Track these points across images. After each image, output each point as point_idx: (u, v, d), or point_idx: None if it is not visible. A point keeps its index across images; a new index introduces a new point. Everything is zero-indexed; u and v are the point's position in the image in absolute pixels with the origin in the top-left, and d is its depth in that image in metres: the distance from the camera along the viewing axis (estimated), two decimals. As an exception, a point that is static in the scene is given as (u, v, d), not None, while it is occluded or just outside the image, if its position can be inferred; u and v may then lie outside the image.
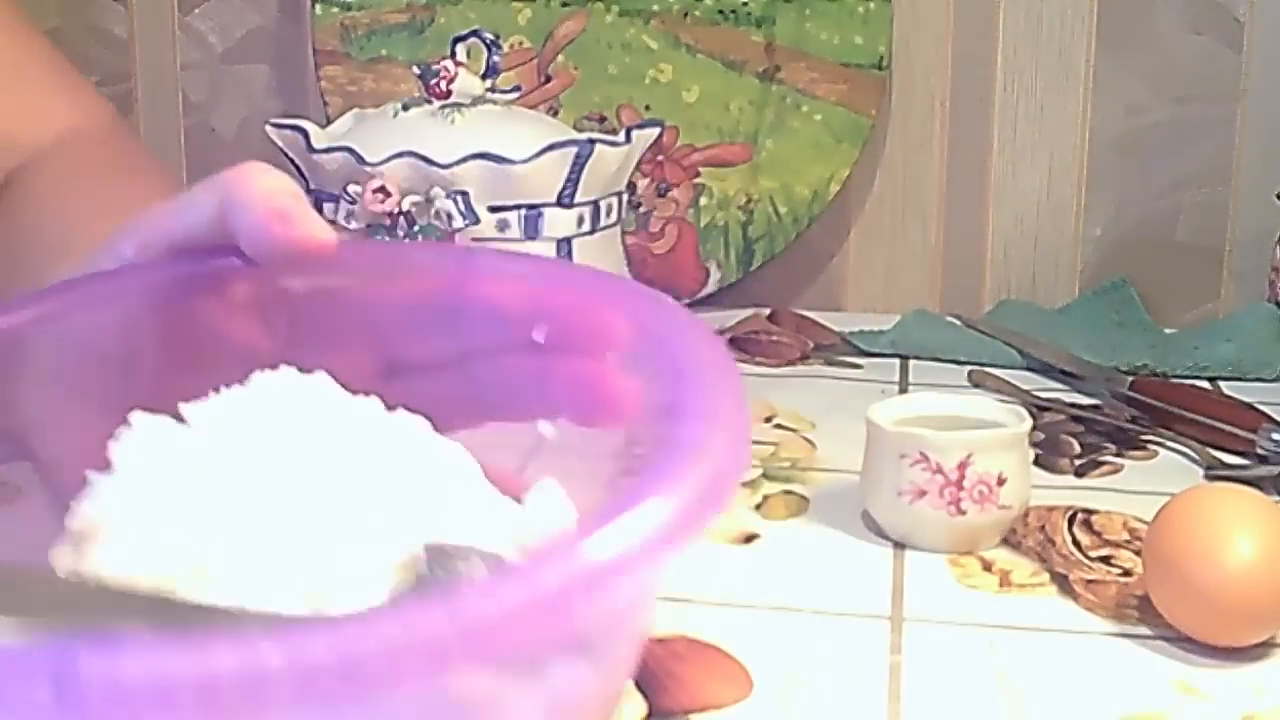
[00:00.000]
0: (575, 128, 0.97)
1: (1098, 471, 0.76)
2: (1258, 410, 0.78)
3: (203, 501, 0.36)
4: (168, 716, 0.27)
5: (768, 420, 0.83)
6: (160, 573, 0.35)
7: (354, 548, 0.36)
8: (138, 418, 0.39)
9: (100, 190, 0.67)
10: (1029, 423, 0.66)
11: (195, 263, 0.44)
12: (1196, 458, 0.77)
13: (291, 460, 0.37)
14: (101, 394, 0.43)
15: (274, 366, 0.40)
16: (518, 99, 0.78)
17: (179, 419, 0.39)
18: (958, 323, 1.02)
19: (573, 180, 0.72)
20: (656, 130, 0.77)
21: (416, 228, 0.71)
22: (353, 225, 0.71)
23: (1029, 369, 0.93)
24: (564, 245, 0.73)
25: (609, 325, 0.42)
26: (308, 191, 0.75)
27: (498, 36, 0.79)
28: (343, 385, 0.41)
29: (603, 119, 1.06)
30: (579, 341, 0.43)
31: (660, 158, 1.05)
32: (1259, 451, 0.76)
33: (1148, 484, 0.73)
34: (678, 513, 0.31)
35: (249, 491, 0.37)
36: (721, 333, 0.98)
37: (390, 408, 0.41)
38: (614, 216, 0.76)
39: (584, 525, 0.31)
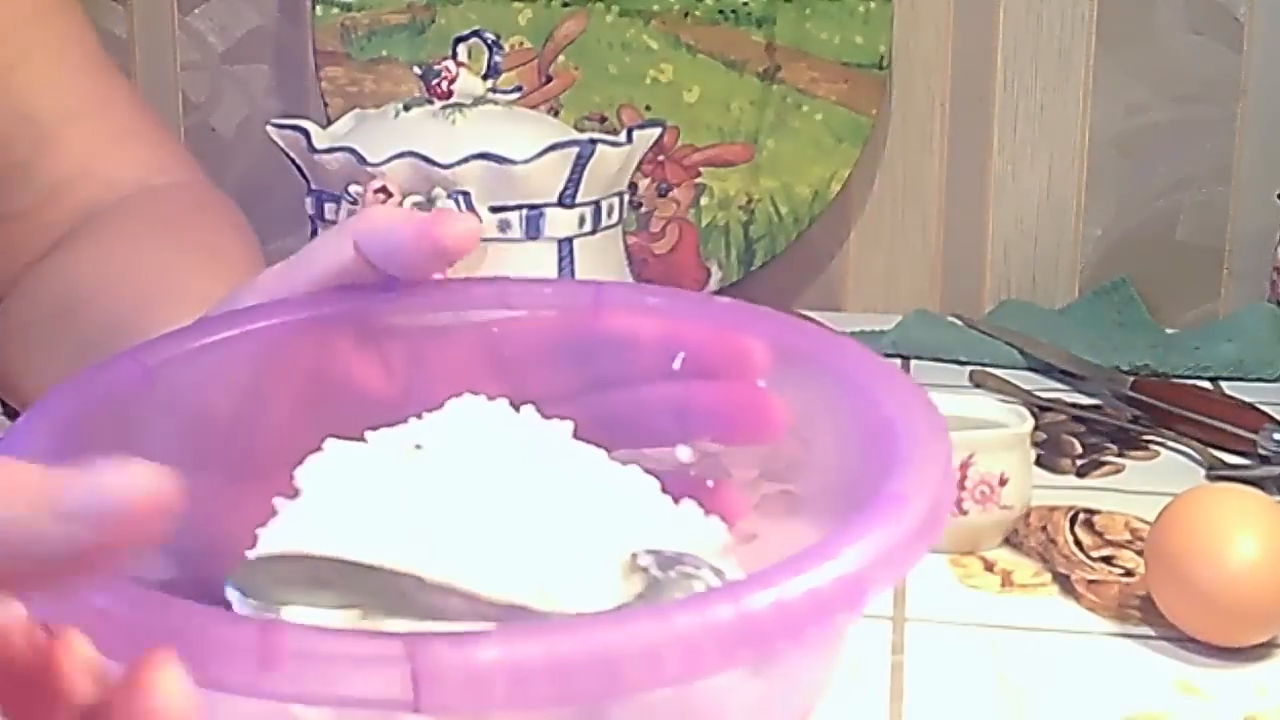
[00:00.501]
0: (576, 128, 0.97)
1: (1099, 472, 0.76)
2: (1259, 410, 0.78)
3: (403, 517, 0.37)
4: (519, 705, 0.28)
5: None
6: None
7: (573, 553, 0.37)
8: (330, 443, 0.39)
9: (175, 240, 0.68)
10: (1030, 423, 0.66)
11: (309, 308, 0.44)
12: (1198, 458, 0.77)
13: (487, 477, 0.38)
14: (224, 452, 0.43)
15: (398, 406, 0.41)
16: (519, 99, 0.78)
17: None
18: (958, 323, 1.02)
19: (574, 180, 0.72)
20: (657, 130, 0.77)
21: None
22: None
23: (1030, 369, 0.93)
24: (565, 245, 0.73)
25: (749, 349, 0.43)
26: (309, 192, 0.74)
27: (498, 37, 0.78)
28: None
29: (603, 119, 1.06)
30: (719, 367, 0.43)
31: (661, 158, 1.05)
32: (1260, 452, 0.76)
33: (1149, 484, 0.73)
34: (910, 532, 0.34)
35: (452, 505, 0.37)
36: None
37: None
38: (615, 217, 0.76)
39: (836, 539, 0.33)
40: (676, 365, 0.44)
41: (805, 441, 0.43)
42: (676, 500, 0.41)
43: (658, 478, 0.41)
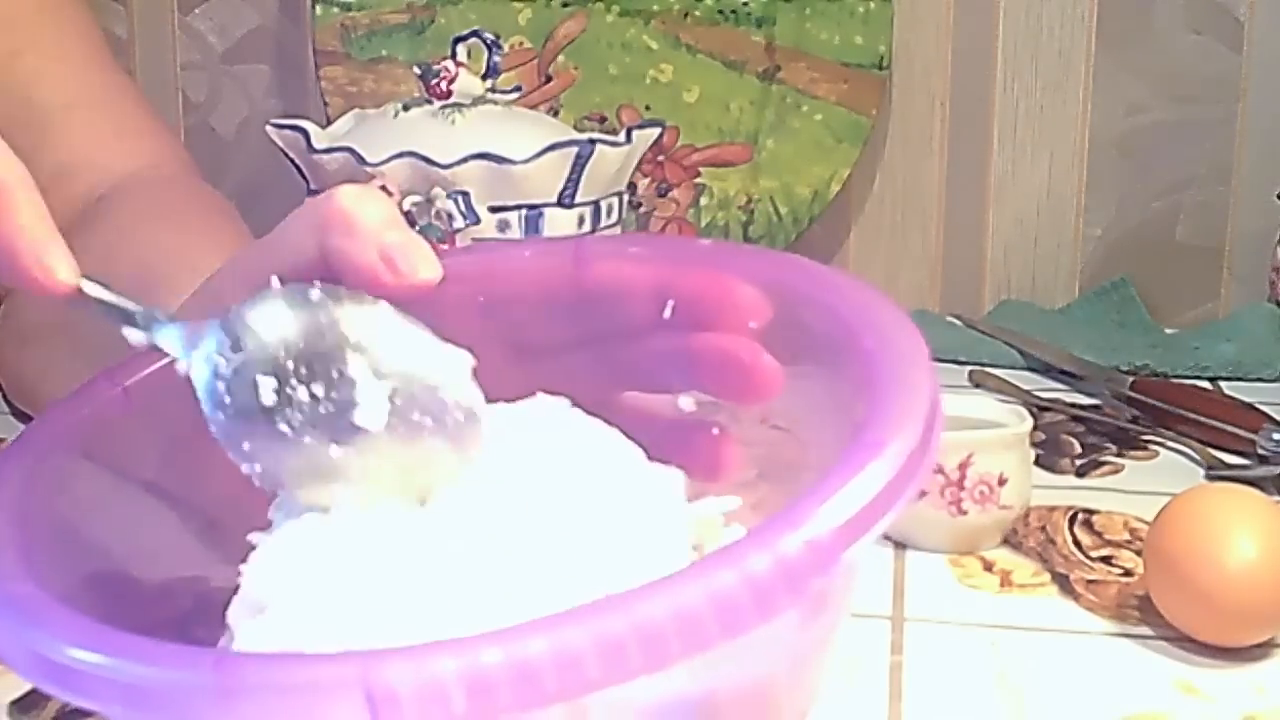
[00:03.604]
0: (576, 128, 0.97)
1: (1099, 471, 0.76)
2: (1258, 410, 0.78)
3: (380, 540, 0.36)
4: (484, 715, 0.28)
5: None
6: (362, 625, 0.35)
7: (566, 539, 0.36)
8: None
9: (180, 224, 0.68)
10: (1030, 423, 0.66)
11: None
12: (1197, 458, 0.77)
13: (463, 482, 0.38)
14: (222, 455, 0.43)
15: None
16: (518, 99, 0.78)
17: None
18: (958, 323, 1.02)
19: (573, 180, 0.72)
20: (657, 130, 0.77)
21: (417, 228, 0.71)
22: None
23: (1029, 369, 0.93)
24: (564, 245, 0.73)
25: (737, 291, 0.42)
26: (308, 192, 0.75)
27: (498, 37, 0.79)
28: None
29: (603, 119, 1.06)
30: (710, 312, 0.43)
31: (661, 158, 1.05)
32: (1260, 452, 0.76)
33: (1148, 484, 0.73)
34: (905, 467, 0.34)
35: (421, 523, 0.37)
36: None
37: (527, 392, 0.41)
38: (614, 217, 0.76)
39: (857, 456, 0.33)
40: (667, 314, 0.43)
41: (796, 388, 0.43)
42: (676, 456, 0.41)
43: (658, 428, 0.41)
